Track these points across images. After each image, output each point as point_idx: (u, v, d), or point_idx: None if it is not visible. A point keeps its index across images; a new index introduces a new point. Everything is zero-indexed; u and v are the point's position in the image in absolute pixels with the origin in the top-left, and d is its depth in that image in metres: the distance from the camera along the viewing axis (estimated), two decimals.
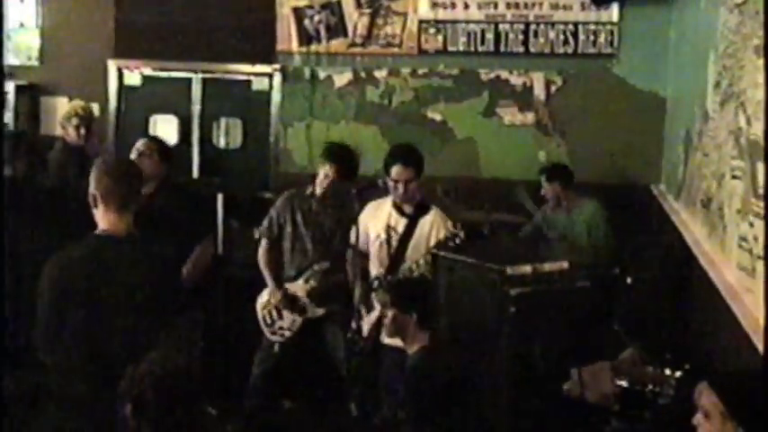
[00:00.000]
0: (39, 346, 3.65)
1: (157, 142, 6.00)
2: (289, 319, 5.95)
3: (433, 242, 5.25)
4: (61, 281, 3.65)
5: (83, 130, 7.17)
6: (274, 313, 6.00)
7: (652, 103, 8.14)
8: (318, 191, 5.87)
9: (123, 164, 4.43)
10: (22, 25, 8.86)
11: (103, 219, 3.85)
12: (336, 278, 5.83)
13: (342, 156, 5.86)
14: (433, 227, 5.33)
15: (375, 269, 5.42)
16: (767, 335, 3.14)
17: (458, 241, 5.09)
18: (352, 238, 5.46)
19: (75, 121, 7.15)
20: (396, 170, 5.35)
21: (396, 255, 5.39)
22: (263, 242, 6.05)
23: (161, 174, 5.70)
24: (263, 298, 6.06)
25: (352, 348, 5.35)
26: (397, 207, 5.43)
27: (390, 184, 5.38)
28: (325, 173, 5.81)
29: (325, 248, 5.89)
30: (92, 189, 3.86)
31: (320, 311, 5.88)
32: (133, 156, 5.68)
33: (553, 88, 8.45)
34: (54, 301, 3.64)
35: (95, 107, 8.60)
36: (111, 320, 3.64)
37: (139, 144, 5.83)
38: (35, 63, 8.89)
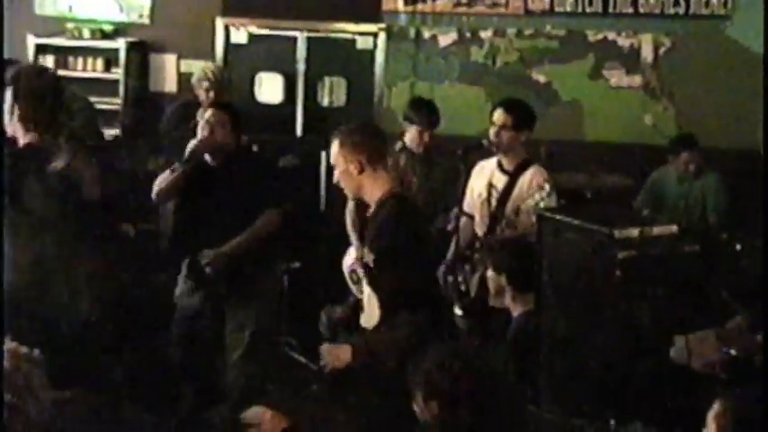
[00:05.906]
0: None
1: (229, 111, 5.71)
2: None
3: (528, 198, 5.14)
4: None
5: (211, 94, 7.13)
6: (359, 271, 5.98)
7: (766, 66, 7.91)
8: (412, 147, 5.83)
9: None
10: None
11: (379, 182, 4.08)
12: None
13: (432, 109, 5.94)
14: (531, 183, 5.21)
15: (479, 229, 5.38)
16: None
17: (544, 197, 5.00)
18: (464, 205, 5.43)
19: (205, 84, 7.17)
20: (495, 114, 5.28)
21: (495, 213, 5.30)
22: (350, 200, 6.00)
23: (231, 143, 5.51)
24: (349, 257, 6.06)
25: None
26: (500, 165, 5.37)
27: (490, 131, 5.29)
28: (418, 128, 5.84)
29: None
30: (352, 156, 4.05)
31: None
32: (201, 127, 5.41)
33: (662, 50, 8.26)
34: None
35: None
36: None
37: (209, 114, 5.53)
38: (146, 21, 9.03)
